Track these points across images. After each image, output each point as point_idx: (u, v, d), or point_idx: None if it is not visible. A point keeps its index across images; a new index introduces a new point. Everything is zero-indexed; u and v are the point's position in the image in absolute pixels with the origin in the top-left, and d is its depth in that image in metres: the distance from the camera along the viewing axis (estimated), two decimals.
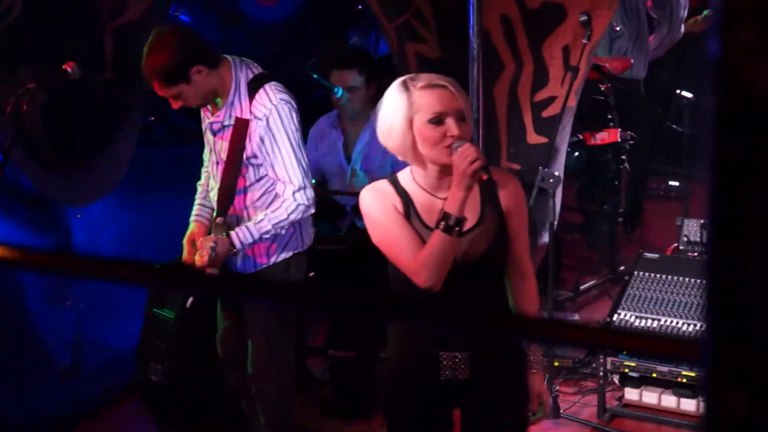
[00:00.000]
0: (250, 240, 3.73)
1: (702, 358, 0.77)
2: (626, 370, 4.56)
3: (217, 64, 3.72)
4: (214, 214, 3.87)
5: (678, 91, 7.00)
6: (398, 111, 2.77)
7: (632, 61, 6.24)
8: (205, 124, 3.91)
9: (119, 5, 4.74)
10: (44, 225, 4.90)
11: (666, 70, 7.15)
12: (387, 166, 4.99)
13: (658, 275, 4.73)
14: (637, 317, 4.58)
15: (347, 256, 4.76)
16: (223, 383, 4.23)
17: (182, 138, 5.90)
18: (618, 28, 6.27)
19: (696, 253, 5.08)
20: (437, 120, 2.74)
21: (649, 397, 4.55)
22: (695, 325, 4.46)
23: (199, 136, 3.99)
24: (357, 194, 4.74)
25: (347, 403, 4.73)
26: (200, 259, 3.71)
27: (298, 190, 3.71)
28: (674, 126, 7.27)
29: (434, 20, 4.53)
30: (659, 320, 4.53)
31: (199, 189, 4.03)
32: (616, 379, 4.65)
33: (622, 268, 6.03)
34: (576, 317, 5.65)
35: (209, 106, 3.82)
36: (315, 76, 4.95)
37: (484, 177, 2.71)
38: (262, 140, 3.71)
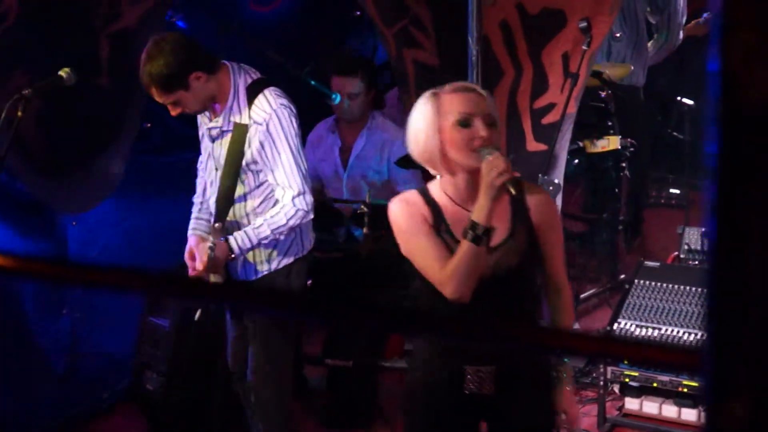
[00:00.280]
0: (249, 245, 3.71)
1: (703, 368, 0.77)
2: (627, 380, 4.52)
3: (216, 70, 3.71)
4: (208, 222, 3.86)
5: (679, 98, 6.97)
6: (426, 117, 2.78)
7: (632, 67, 6.22)
8: (202, 130, 3.91)
9: (115, 11, 4.72)
10: (39, 232, 4.89)
11: (665, 76, 7.13)
12: (384, 172, 4.96)
13: (658, 284, 4.70)
14: (637, 326, 4.55)
15: (343, 264, 4.73)
16: (219, 392, 4.21)
17: (179, 144, 5.89)
18: (618, 35, 6.24)
19: (697, 262, 5.06)
20: (465, 122, 2.73)
21: (650, 407, 4.52)
22: (696, 335, 4.43)
23: (196, 141, 3.97)
24: (354, 202, 4.79)
25: (345, 412, 4.70)
26: (199, 263, 3.70)
27: (298, 195, 3.70)
28: (675, 133, 7.25)
29: (432, 26, 4.50)
30: (660, 329, 4.50)
31: (195, 202, 4.02)
32: (616, 388, 4.62)
33: (622, 276, 6.00)
34: (576, 326, 5.61)
35: (207, 112, 3.81)
36: (312, 82, 4.94)
37: (512, 191, 2.69)
38: (261, 145, 3.70)
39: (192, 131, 4.05)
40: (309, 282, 4.35)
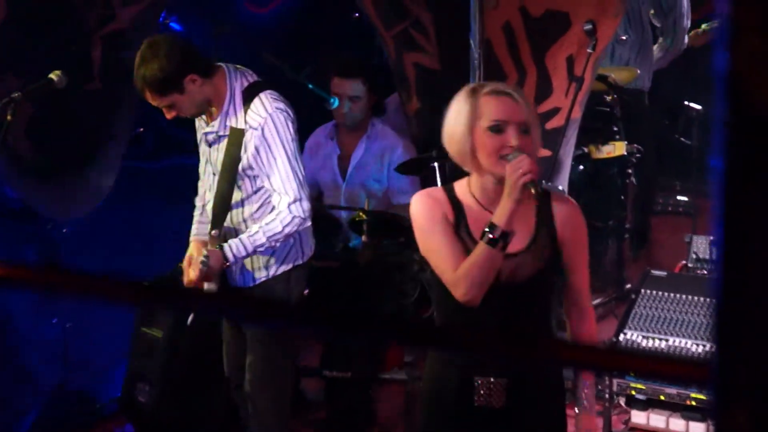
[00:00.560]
0: (244, 253, 3.68)
1: (711, 381, 0.77)
2: (633, 393, 4.47)
3: (211, 73, 3.69)
4: (209, 227, 3.82)
5: (686, 103, 6.90)
6: (461, 116, 2.73)
7: (638, 71, 6.15)
8: (199, 135, 3.89)
9: (108, 12, 4.70)
10: (29, 239, 4.88)
11: (671, 81, 7.06)
12: (384, 181, 4.88)
13: (665, 293, 4.65)
14: (644, 337, 4.50)
15: (341, 273, 4.64)
16: (212, 404, 4.16)
17: (173, 149, 5.86)
18: (624, 38, 6.18)
19: (705, 271, 5.03)
20: (497, 128, 2.68)
21: (657, 420, 4.47)
22: (704, 346, 4.38)
23: (190, 146, 3.93)
24: (351, 209, 4.71)
25: (343, 425, 4.66)
26: (193, 273, 3.68)
27: (294, 202, 3.67)
28: (682, 139, 7.18)
29: (434, 29, 4.46)
30: (667, 340, 4.46)
31: (197, 205, 4.01)
32: (622, 401, 4.56)
33: (628, 286, 5.96)
34: None
35: (204, 116, 3.78)
36: (310, 85, 4.88)
37: (533, 191, 2.62)
38: (257, 150, 3.67)
39: (187, 135, 4.03)
40: (306, 291, 4.29)
